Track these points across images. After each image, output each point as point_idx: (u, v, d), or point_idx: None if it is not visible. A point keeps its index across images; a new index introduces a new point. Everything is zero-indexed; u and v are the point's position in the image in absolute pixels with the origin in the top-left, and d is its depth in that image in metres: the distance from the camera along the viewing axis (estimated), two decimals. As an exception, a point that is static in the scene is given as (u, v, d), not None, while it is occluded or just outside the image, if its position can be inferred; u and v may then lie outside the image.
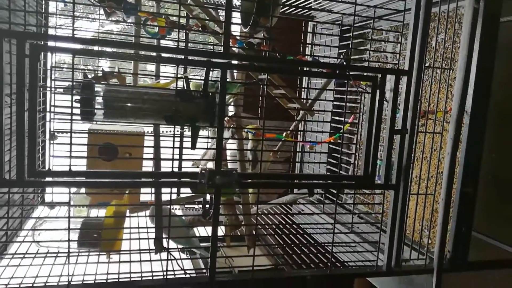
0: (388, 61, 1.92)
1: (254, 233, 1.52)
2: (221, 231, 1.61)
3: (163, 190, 1.40)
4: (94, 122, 1.47)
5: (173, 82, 1.52)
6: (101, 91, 1.22)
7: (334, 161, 2.15)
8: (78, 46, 1.06)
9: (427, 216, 1.51)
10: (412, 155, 1.36)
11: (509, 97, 1.58)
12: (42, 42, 1.07)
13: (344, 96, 1.68)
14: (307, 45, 2.12)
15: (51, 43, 1.06)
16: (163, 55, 1.16)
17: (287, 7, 2.04)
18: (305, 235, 1.58)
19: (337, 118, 2.20)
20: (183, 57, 1.16)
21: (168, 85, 1.52)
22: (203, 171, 1.16)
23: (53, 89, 1.25)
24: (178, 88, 1.24)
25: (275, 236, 1.67)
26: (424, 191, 1.51)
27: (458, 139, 1.36)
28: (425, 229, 1.68)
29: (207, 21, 1.26)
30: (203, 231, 1.61)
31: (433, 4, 1.42)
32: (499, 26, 1.37)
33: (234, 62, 1.25)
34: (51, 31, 1.67)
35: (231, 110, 1.59)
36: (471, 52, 1.34)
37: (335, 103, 2.18)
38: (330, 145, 2.19)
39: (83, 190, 1.66)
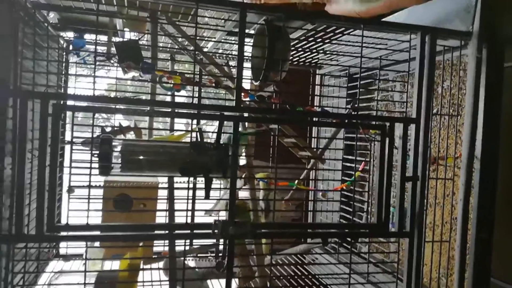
0: (396, 107, 1.95)
1: (268, 285, 1.50)
2: (235, 283, 1.59)
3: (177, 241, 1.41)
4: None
5: (187, 134, 1.57)
6: (119, 145, 1.27)
7: (347, 208, 2.14)
8: (97, 104, 1.12)
9: (444, 263, 1.48)
10: (425, 201, 1.37)
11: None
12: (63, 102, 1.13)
13: (354, 143, 1.71)
14: (316, 96, 2.18)
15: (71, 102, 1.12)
16: (178, 110, 1.21)
17: (297, 58, 2.12)
18: (321, 286, 1.55)
19: (348, 164, 2.22)
20: (196, 111, 1.20)
21: (182, 137, 1.56)
22: (216, 222, 1.18)
23: (73, 144, 1.29)
24: (192, 141, 1.28)
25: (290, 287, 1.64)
26: (439, 238, 1.50)
27: (470, 185, 1.36)
28: (442, 277, 1.64)
29: (220, 77, 1.32)
30: (217, 283, 1.59)
31: (437, 53, 1.48)
32: (504, 71, 1.41)
33: (246, 114, 1.30)
34: (71, 89, 1.75)
35: (243, 158, 1.63)
36: (477, 99, 1.37)
37: (345, 150, 2.20)
38: (343, 193, 2.19)
39: (97, 243, 1.67)
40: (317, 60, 2.15)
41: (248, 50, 1.53)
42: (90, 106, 1.11)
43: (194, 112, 1.20)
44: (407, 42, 1.38)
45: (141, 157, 1.25)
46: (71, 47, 1.72)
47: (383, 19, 1.70)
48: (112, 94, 1.81)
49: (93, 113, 1.10)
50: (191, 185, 1.32)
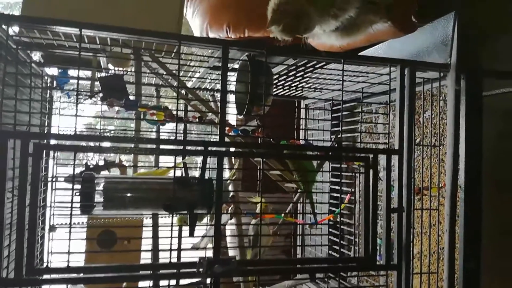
0: (380, 137, 1.98)
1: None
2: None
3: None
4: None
5: (171, 169, 1.56)
6: (101, 183, 1.25)
7: (336, 240, 2.12)
8: (80, 143, 1.11)
9: (433, 294, 1.47)
10: (411, 232, 1.36)
11: (502, 166, 1.60)
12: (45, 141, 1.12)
13: (340, 174, 1.72)
14: (301, 129, 2.19)
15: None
16: (162, 146, 1.21)
17: (280, 89, 2.15)
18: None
19: (335, 194, 2.21)
20: (181, 147, 1.20)
21: (166, 172, 1.55)
22: (201, 260, 1.15)
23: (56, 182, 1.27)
24: (176, 176, 1.27)
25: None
26: (428, 269, 1.49)
27: (455, 215, 1.37)
28: (433, 308, 1.62)
29: (204, 112, 1.33)
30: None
31: (417, 84, 1.51)
32: (483, 100, 1.44)
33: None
34: (55, 126, 1.74)
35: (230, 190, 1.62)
36: (457, 129, 1.39)
37: (332, 180, 2.21)
38: (331, 224, 2.18)
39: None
40: (301, 90, 2.18)
41: (232, 84, 1.55)
42: (72, 145, 1.10)
43: (178, 149, 1.20)
44: (387, 75, 1.41)
45: (124, 195, 1.24)
46: (55, 83, 1.72)
47: (364, 51, 1.75)
48: (97, 127, 1.80)
49: (74, 152, 1.09)
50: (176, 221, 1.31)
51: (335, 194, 2.21)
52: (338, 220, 1.71)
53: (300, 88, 2.07)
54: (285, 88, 2.06)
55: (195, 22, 2.34)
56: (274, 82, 1.83)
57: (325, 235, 2.10)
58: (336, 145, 1.32)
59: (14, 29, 1.20)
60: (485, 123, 1.43)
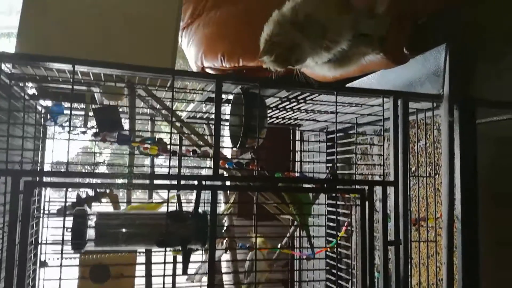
0: (376, 168, 1.97)
1: None
2: None
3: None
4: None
5: (165, 202, 1.54)
6: (93, 218, 1.23)
7: (333, 271, 2.08)
8: (72, 180, 1.10)
9: (434, 328, 1.44)
10: (409, 264, 1.34)
11: (499, 194, 1.59)
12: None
13: (336, 204, 1.70)
14: (296, 161, 2.18)
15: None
16: (156, 181, 1.20)
17: (274, 118, 2.15)
18: None
19: (332, 224, 2.19)
20: (175, 182, 1.19)
21: (160, 206, 1.53)
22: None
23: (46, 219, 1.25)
24: (169, 211, 1.25)
25: None
26: (427, 301, 1.46)
27: (453, 246, 1.35)
28: None
29: (199, 145, 1.32)
30: None
31: (410, 113, 1.51)
32: (477, 128, 1.44)
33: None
34: (48, 158, 1.73)
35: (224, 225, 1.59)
36: (452, 159, 1.39)
37: (329, 210, 2.19)
38: (329, 255, 2.14)
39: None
40: (296, 118, 2.18)
41: (227, 116, 1.55)
42: (64, 182, 1.09)
43: (172, 184, 1.19)
44: (380, 106, 1.41)
45: (117, 230, 1.22)
46: (48, 116, 1.71)
47: (358, 80, 1.76)
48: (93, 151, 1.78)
49: (66, 188, 1.08)
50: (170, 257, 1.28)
51: (332, 224, 2.19)
52: (335, 251, 1.68)
53: (294, 118, 2.08)
54: (279, 117, 2.06)
55: (190, 51, 2.36)
56: (269, 112, 1.83)
57: (322, 269, 2.06)
58: (331, 177, 1.31)
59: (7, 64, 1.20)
60: (480, 151, 1.43)
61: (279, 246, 1.72)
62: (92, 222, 1.20)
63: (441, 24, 1.44)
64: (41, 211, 1.71)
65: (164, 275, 1.16)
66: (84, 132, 1.18)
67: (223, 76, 1.34)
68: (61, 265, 1.11)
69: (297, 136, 2.28)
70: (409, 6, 1.37)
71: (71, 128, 1.07)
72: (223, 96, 1.43)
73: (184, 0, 2.31)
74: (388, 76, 1.64)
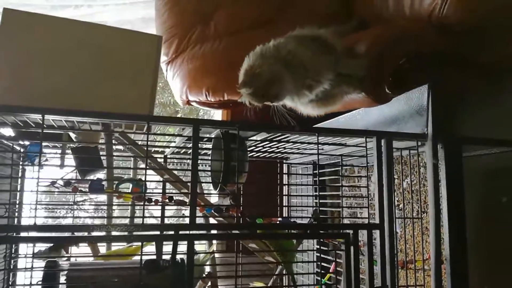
0: (363, 211, 1.92)
1: None
2: None
3: None
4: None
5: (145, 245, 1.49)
6: (65, 267, 1.18)
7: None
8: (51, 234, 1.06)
9: None
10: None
11: (486, 232, 1.55)
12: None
13: (321, 251, 1.65)
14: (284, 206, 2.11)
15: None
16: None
17: (260, 153, 2.11)
18: None
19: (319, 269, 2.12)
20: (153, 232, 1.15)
21: (139, 249, 1.48)
22: None
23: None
24: (145, 260, 1.20)
25: None
26: None
27: (441, 291, 1.30)
28: None
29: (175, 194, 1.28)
30: None
31: (397, 150, 1.48)
32: (463, 165, 1.41)
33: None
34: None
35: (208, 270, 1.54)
36: (438, 200, 1.36)
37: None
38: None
39: None
40: (282, 152, 2.15)
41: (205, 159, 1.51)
42: (42, 237, 1.05)
43: (148, 235, 1.14)
44: (363, 146, 1.38)
45: (89, 283, 1.16)
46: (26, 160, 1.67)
47: (342, 116, 1.74)
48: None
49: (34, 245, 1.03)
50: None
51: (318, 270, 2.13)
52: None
53: (278, 154, 2.05)
54: (265, 152, 2.03)
55: (175, 84, 2.35)
56: (253, 147, 1.80)
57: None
58: (314, 222, 1.27)
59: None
60: (466, 185, 1.40)
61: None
62: (63, 274, 1.15)
63: (423, 64, 1.42)
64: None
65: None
66: (53, 183, 1.13)
67: (200, 120, 1.31)
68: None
69: (285, 170, 2.24)
70: (390, 49, 1.36)
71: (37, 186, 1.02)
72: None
73: (169, 35, 2.32)
74: (373, 112, 1.63)
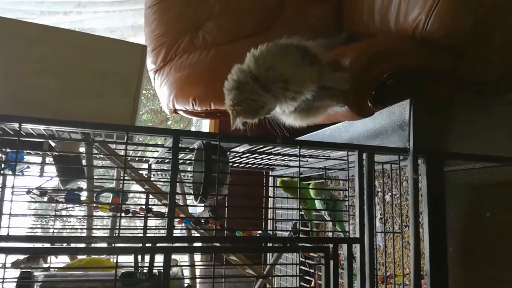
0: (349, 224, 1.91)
1: None
2: None
3: None
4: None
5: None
6: (40, 277, 1.16)
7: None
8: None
9: None
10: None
11: (468, 247, 1.55)
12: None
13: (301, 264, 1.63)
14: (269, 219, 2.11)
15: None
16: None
17: (244, 164, 2.11)
18: None
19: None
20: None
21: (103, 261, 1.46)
22: None
23: None
24: (122, 273, 1.19)
25: None
26: None
27: (420, 307, 1.30)
28: None
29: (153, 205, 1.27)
30: None
31: (379, 163, 1.48)
32: (445, 181, 1.41)
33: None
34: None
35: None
36: (417, 217, 1.35)
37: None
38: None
39: None
40: (268, 163, 2.15)
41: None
42: (22, 247, 1.03)
43: (126, 246, 1.12)
44: (345, 159, 1.38)
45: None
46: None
47: (326, 128, 1.74)
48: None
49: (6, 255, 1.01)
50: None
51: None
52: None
53: (262, 165, 2.05)
54: (249, 163, 2.03)
55: (162, 92, 2.34)
56: (237, 159, 1.80)
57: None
58: (294, 235, 1.26)
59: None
60: (448, 199, 1.40)
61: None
62: (37, 286, 1.13)
63: (405, 79, 1.43)
64: None
65: None
66: (28, 192, 1.12)
67: (181, 131, 1.30)
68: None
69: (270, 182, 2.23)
70: (374, 63, 1.36)
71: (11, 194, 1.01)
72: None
73: (157, 44, 2.32)
74: (356, 125, 1.63)
